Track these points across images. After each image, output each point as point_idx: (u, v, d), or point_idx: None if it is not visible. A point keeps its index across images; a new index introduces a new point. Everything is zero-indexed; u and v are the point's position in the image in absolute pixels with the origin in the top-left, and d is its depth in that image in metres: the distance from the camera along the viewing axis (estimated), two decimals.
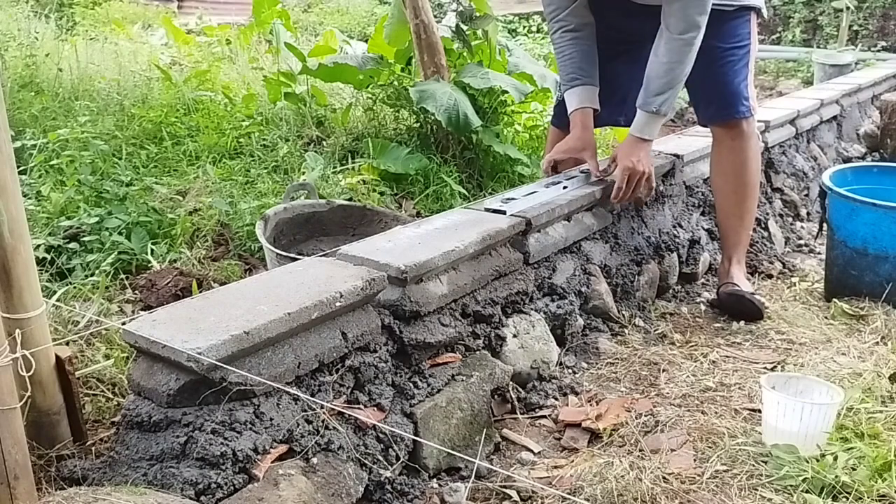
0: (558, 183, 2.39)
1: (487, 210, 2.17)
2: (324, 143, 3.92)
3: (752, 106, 2.49)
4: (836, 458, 1.60)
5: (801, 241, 3.38)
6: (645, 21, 2.36)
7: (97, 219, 2.67)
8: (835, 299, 2.56)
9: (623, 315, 2.45)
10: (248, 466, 1.41)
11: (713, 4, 2.22)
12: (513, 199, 2.24)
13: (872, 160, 4.49)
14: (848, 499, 1.52)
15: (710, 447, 1.75)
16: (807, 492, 1.56)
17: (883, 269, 2.51)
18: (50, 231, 2.65)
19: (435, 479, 1.72)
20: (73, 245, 2.57)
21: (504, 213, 2.14)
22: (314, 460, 1.50)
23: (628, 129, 4.03)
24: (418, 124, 3.91)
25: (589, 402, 2.02)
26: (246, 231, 2.85)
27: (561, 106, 2.76)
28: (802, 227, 3.53)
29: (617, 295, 2.50)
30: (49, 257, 2.48)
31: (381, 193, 3.36)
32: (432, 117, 3.55)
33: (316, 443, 1.51)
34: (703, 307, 2.68)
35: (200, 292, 2.17)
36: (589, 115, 2.45)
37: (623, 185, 2.36)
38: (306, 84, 4.29)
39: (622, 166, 2.35)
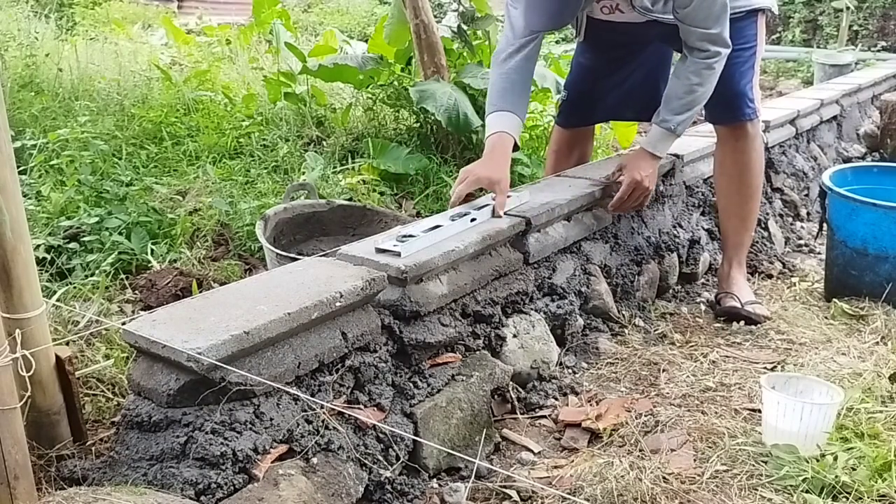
0: (466, 215, 2.06)
1: (378, 251, 1.81)
2: (324, 143, 3.92)
3: (756, 108, 2.49)
4: (836, 458, 1.60)
5: (801, 241, 3.38)
6: (649, 27, 2.37)
7: (97, 219, 2.67)
8: (835, 299, 2.56)
9: (623, 315, 2.45)
10: (248, 466, 1.41)
11: None
12: (410, 235, 1.87)
13: (872, 160, 4.49)
14: (848, 499, 1.52)
15: (710, 447, 1.75)
16: (807, 492, 1.56)
17: (883, 269, 2.51)
18: (50, 231, 2.65)
19: (435, 479, 1.72)
20: (73, 245, 2.57)
21: (398, 254, 1.77)
22: (314, 460, 1.50)
23: (630, 126, 4.05)
24: (418, 124, 3.92)
25: (589, 402, 2.02)
26: (246, 231, 2.85)
27: (565, 105, 2.76)
28: (802, 227, 3.53)
29: (617, 295, 2.50)
30: (49, 257, 2.48)
31: (381, 193, 3.36)
32: (432, 117, 3.55)
33: (316, 443, 1.51)
34: (703, 307, 2.68)
35: (200, 292, 2.17)
36: (509, 143, 2.22)
37: (625, 197, 2.36)
38: (306, 84, 4.29)
39: (630, 177, 2.34)
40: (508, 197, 2.17)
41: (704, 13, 2.16)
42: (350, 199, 3.10)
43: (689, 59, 2.26)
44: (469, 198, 2.17)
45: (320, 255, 1.86)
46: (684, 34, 2.24)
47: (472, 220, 2.05)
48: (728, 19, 2.21)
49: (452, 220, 2.01)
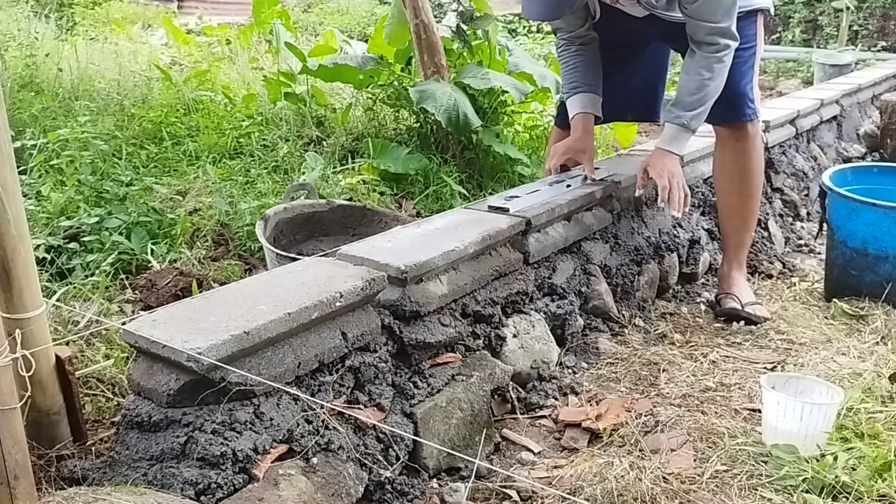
0: (561, 181, 2.40)
1: (490, 208, 2.18)
2: (324, 143, 3.92)
3: (756, 108, 2.49)
4: (836, 458, 1.61)
5: (801, 241, 3.38)
6: (648, 24, 2.37)
7: (97, 219, 2.67)
8: (835, 299, 2.56)
9: (623, 315, 2.45)
10: (248, 466, 1.41)
11: None
12: (515, 196, 2.25)
13: (872, 160, 4.49)
14: (848, 499, 1.52)
15: (710, 447, 1.75)
16: (807, 492, 1.56)
17: (883, 269, 2.50)
18: (50, 231, 2.65)
19: (435, 479, 1.72)
20: (73, 245, 2.57)
21: (506, 210, 2.14)
22: (314, 460, 1.50)
23: (630, 126, 4.06)
24: (418, 124, 3.91)
25: (589, 402, 2.02)
26: (246, 231, 2.85)
27: (564, 106, 2.76)
28: (802, 227, 3.53)
29: (617, 295, 2.50)
30: (49, 257, 2.47)
31: (381, 193, 3.36)
32: (432, 117, 3.55)
33: (316, 443, 1.51)
34: (703, 307, 2.68)
35: (200, 292, 2.17)
36: (590, 119, 2.49)
37: (669, 186, 2.30)
38: (306, 84, 4.29)
39: (657, 173, 2.32)
40: (597, 169, 2.51)
41: (714, 6, 2.16)
42: (350, 199, 3.10)
43: (697, 54, 2.25)
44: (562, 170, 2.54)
45: (320, 255, 1.86)
46: (692, 29, 2.23)
47: (568, 185, 2.40)
48: (736, 13, 2.20)
49: (550, 186, 2.36)
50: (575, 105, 2.50)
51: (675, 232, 2.83)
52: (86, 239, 2.60)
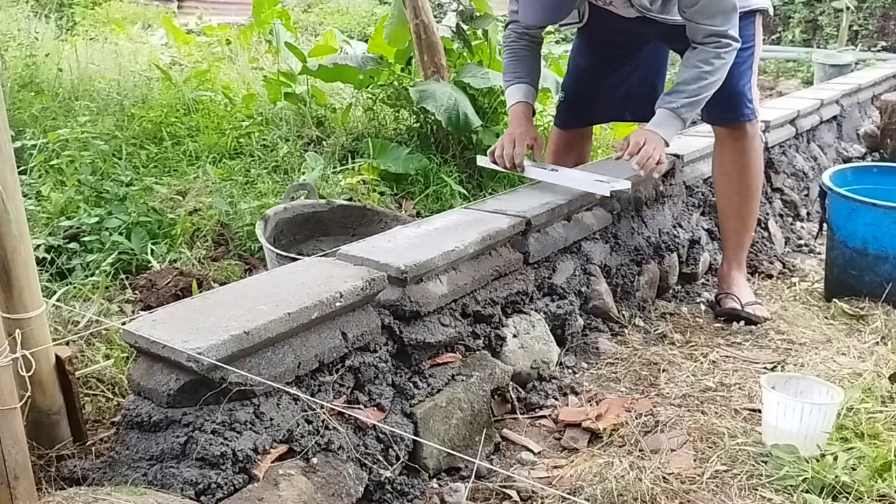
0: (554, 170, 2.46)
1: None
2: (324, 143, 3.92)
3: (755, 108, 2.49)
4: (836, 458, 1.61)
5: (801, 241, 3.38)
6: (644, 25, 2.37)
7: (97, 219, 2.67)
8: (835, 299, 2.56)
9: (623, 315, 2.45)
10: (248, 466, 1.41)
11: None
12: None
13: (872, 160, 4.49)
14: (848, 499, 1.52)
15: (710, 447, 1.75)
16: (807, 492, 1.56)
17: (883, 269, 2.51)
18: (50, 231, 2.65)
19: (435, 479, 1.72)
20: (73, 245, 2.57)
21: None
22: (314, 460, 1.50)
23: (631, 126, 4.05)
24: (418, 124, 3.91)
25: (589, 402, 2.02)
26: (246, 231, 2.84)
27: (563, 106, 2.76)
28: (802, 227, 3.53)
29: (617, 295, 2.50)
30: (49, 257, 2.47)
31: (381, 193, 3.36)
32: (432, 117, 3.55)
33: (316, 443, 1.51)
34: (703, 307, 2.68)
35: (200, 292, 2.17)
36: (530, 109, 2.47)
37: (636, 150, 2.22)
38: (306, 84, 4.29)
39: (634, 140, 2.26)
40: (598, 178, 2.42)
41: (713, 10, 2.16)
42: (350, 199, 3.10)
43: (698, 48, 2.23)
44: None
45: (320, 255, 1.86)
46: (692, 32, 2.23)
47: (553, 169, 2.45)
48: (737, 16, 2.20)
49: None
50: (517, 94, 2.47)
51: (675, 232, 2.83)
52: (86, 239, 2.60)
